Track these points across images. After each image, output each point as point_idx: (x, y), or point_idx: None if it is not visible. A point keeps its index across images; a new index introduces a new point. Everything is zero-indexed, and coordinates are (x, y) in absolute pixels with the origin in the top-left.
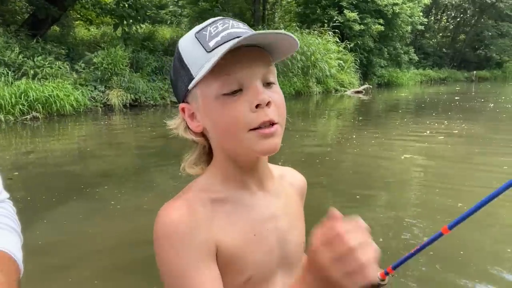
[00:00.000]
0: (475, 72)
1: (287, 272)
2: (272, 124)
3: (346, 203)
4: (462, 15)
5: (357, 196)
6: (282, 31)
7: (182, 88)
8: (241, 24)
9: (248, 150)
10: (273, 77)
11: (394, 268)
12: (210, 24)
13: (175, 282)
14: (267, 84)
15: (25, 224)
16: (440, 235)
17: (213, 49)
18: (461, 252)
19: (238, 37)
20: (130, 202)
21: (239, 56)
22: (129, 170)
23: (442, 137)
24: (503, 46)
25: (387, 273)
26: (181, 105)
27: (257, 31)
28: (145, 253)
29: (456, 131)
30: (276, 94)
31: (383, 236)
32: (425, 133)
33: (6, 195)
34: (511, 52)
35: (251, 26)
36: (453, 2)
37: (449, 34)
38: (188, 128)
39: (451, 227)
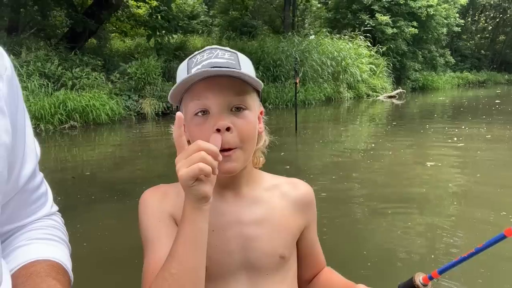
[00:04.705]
0: None
1: (253, 277)
2: (229, 149)
3: (380, 210)
4: (501, 15)
5: (391, 204)
6: (243, 72)
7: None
8: (227, 54)
9: None
10: (244, 104)
11: (441, 273)
12: (200, 52)
13: (143, 235)
14: (236, 109)
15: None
16: (503, 237)
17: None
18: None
19: (215, 67)
20: None
21: (211, 83)
22: (162, 177)
23: (482, 143)
24: None
25: (431, 278)
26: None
27: (218, 69)
28: None
29: (497, 136)
30: (241, 120)
31: (420, 242)
32: (462, 138)
33: (56, 208)
34: None
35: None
36: (492, 2)
37: (487, 35)
38: None
39: None
